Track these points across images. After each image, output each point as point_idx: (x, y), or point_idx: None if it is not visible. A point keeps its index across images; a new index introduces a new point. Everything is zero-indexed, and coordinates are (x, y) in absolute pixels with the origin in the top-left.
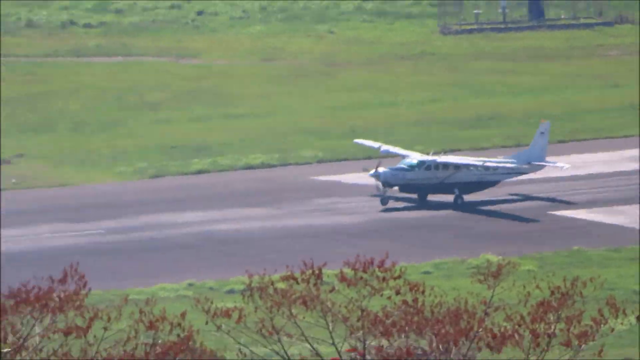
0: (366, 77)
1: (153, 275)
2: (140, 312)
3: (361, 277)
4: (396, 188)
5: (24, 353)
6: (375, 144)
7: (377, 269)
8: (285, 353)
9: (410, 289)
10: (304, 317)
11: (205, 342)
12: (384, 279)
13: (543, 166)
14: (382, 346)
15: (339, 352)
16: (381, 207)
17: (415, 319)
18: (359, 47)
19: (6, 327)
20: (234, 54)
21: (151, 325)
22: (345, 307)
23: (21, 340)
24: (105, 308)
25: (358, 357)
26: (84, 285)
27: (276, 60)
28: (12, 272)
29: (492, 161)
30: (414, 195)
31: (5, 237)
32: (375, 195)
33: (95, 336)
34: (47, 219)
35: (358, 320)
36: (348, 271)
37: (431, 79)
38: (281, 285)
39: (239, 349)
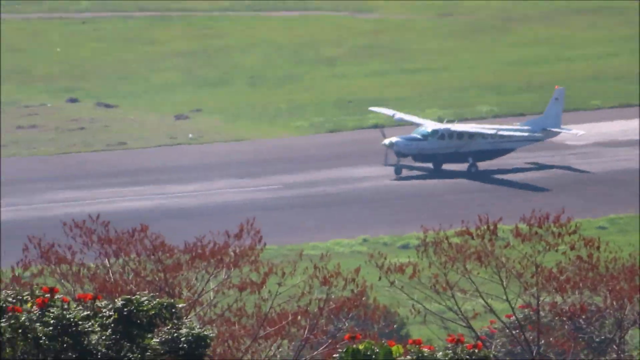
0: (542, 32)
1: (328, 231)
2: (315, 267)
3: (536, 233)
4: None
5: (198, 308)
6: (390, 112)
7: (552, 225)
8: (459, 309)
9: (585, 245)
10: (478, 273)
11: (379, 297)
12: (559, 234)
13: (558, 133)
14: (556, 302)
15: (512, 308)
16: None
17: (590, 275)
18: (535, 1)
19: (181, 282)
20: (411, 8)
21: (325, 281)
22: (520, 263)
23: (196, 295)
24: (280, 263)
25: (531, 313)
26: (259, 241)
27: (453, 15)
28: (189, 226)
29: (505, 129)
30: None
31: (183, 192)
32: (388, 165)
33: (269, 291)
34: (224, 174)
35: (532, 276)
36: (523, 227)
37: (608, 33)
38: (456, 241)
39: (412, 305)
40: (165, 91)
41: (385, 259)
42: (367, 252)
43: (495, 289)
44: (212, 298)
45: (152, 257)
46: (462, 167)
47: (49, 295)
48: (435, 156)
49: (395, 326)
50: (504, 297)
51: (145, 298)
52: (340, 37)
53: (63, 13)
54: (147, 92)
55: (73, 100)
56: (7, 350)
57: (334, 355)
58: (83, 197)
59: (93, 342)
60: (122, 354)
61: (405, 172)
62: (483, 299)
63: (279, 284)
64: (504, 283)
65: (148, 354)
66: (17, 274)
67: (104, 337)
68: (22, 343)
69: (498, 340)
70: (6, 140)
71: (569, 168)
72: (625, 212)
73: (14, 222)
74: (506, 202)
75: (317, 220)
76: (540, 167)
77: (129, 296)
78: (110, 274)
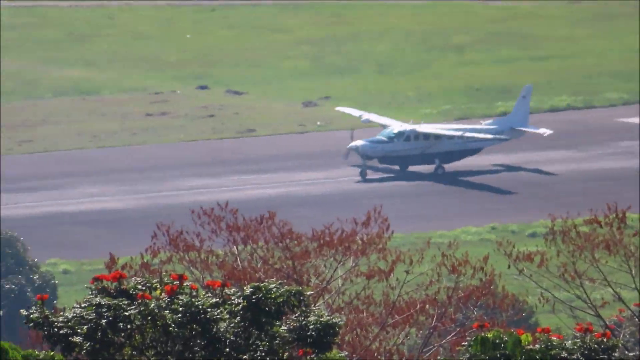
0: None
1: (456, 218)
2: (443, 255)
3: None
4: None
5: (326, 296)
6: (357, 113)
7: None
8: (588, 298)
9: None
10: (606, 262)
11: (507, 286)
12: None
13: (525, 132)
14: None
15: None
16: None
17: None
18: None
19: (309, 270)
20: None
21: (453, 269)
22: None
23: (324, 283)
24: (407, 251)
25: None
26: (387, 228)
27: (582, 2)
28: (316, 214)
29: (469, 130)
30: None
31: (310, 180)
32: (354, 166)
33: (397, 279)
34: (349, 162)
35: None
36: None
37: None
38: (584, 229)
39: (541, 294)
40: (293, 78)
41: (513, 247)
42: (496, 239)
43: (623, 278)
44: (340, 286)
45: (280, 244)
46: (430, 168)
47: (177, 282)
48: (401, 158)
49: (523, 315)
50: (633, 286)
51: (273, 285)
52: (469, 25)
53: (193, 0)
54: (275, 80)
55: (203, 87)
56: (137, 338)
57: (462, 344)
58: (212, 185)
59: (222, 329)
60: (250, 342)
61: (379, 175)
62: (612, 287)
63: (407, 272)
64: (633, 272)
65: (276, 341)
66: (146, 261)
67: (232, 325)
68: (151, 330)
69: (627, 329)
70: (136, 127)
71: (537, 170)
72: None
73: (144, 209)
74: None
75: (445, 208)
76: (508, 168)
77: (257, 284)
78: (239, 262)
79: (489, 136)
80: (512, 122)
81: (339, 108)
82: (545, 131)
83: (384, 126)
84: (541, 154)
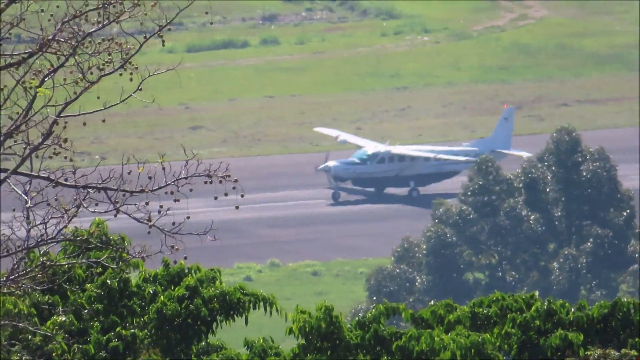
0: None
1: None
2: None
3: None
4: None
5: None
6: (334, 133)
7: None
8: None
9: None
10: None
11: None
12: None
13: (506, 154)
14: None
15: None
16: None
17: None
18: None
19: None
20: None
21: None
22: None
23: None
24: None
25: None
26: None
27: None
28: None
29: (447, 152)
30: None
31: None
32: (328, 188)
33: None
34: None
35: None
36: None
37: None
38: None
39: None
40: None
41: None
42: None
43: None
44: None
45: None
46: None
47: None
48: (375, 180)
49: None
50: None
51: None
52: None
53: None
54: None
55: None
56: None
57: None
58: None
59: None
60: None
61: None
62: None
63: None
64: None
65: None
66: None
67: None
68: None
69: None
70: None
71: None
72: None
73: None
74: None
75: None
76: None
77: None
78: None
79: (462, 158)
80: (493, 144)
81: (317, 129)
82: (525, 154)
83: (360, 147)
84: None
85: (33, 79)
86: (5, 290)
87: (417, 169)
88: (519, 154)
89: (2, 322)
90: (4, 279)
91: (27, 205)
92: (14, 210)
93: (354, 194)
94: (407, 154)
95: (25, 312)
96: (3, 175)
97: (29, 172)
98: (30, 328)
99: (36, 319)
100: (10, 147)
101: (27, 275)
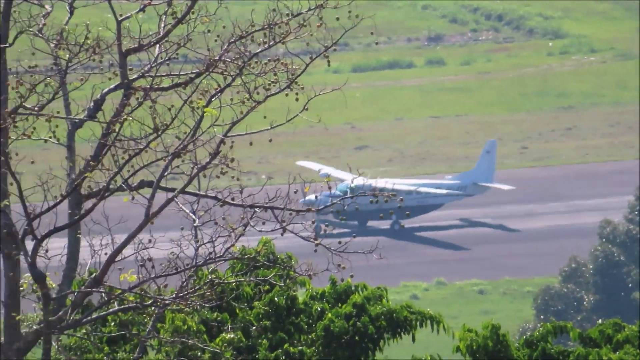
0: None
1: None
2: None
3: None
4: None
5: None
6: (317, 166)
7: None
8: None
9: None
10: None
11: None
12: None
13: (489, 188)
14: None
15: None
16: None
17: None
18: None
19: None
20: None
21: None
22: None
23: None
24: None
25: None
26: None
27: None
28: None
29: (430, 185)
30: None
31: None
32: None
33: None
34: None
35: None
36: None
37: None
38: None
39: None
40: None
41: None
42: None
43: None
44: None
45: None
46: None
47: None
48: (357, 213)
49: None
50: None
51: None
52: None
53: None
54: None
55: None
56: None
57: None
58: None
59: None
60: None
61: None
62: None
63: None
64: None
65: None
66: None
67: None
68: None
69: None
70: None
71: (501, 227)
72: None
73: None
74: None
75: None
76: (471, 224)
77: None
78: None
79: (444, 192)
80: (476, 177)
81: (299, 163)
82: (507, 187)
83: (342, 180)
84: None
85: (200, 99)
86: (174, 308)
87: (397, 202)
88: (500, 187)
89: (172, 339)
90: (173, 296)
91: (195, 224)
92: (182, 229)
93: (338, 227)
94: (389, 187)
95: (195, 329)
96: (171, 194)
97: (197, 192)
98: (199, 345)
99: (205, 335)
100: (178, 166)
101: (195, 292)
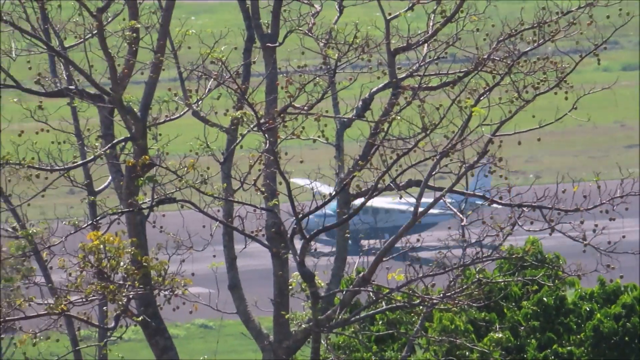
0: None
1: None
2: None
3: None
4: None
5: None
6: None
7: None
8: None
9: None
10: None
11: None
12: None
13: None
14: None
15: None
16: None
17: None
18: None
19: None
20: None
21: None
22: None
23: None
24: None
25: None
26: None
27: None
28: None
29: (425, 204)
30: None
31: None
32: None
33: None
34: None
35: None
36: None
37: None
38: None
39: None
40: None
41: None
42: None
43: None
44: None
45: None
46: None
47: None
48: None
49: None
50: None
51: None
52: None
53: None
54: None
55: None
56: None
57: None
58: None
59: None
60: None
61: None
62: None
63: None
64: None
65: None
66: None
67: None
68: None
69: None
70: None
71: (494, 246)
72: None
73: None
74: None
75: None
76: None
77: None
78: None
79: (437, 211)
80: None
81: (294, 179)
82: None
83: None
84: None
85: (468, 98)
86: (441, 307)
87: (392, 221)
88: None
89: (440, 338)
90: (441, 295)
91: (462, 224)
92: (449, 228)
93: (329, 245)
94: (381, 206)
95: (462, 328)
96: (438, 193)
97: (464, 191)
98: (467, 344)
99: (473, 335)
100: (446, 165)
101: (463, 292)
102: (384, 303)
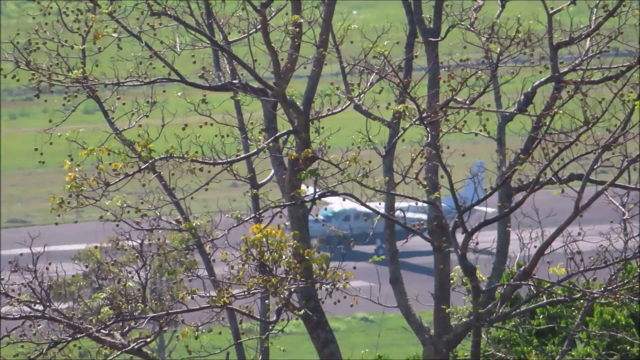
0: None
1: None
2: None
3: None
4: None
5: None
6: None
7: None
8: None
9: None
10: None
11: None
12: None
13: (476, 211)
14: None
15: None
16: None
17: None
18: None
19: None
20: None
21: None
22: None
23: None
24: None
25: None
26: None
27: None
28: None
29: (415, 209)
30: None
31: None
32: None
33: None
34: None
35: None
36: None
37: None
38: None
39: None
40: None
41: None
42: None
43: None
44: None
45: None
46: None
47: None
48: (341, 238)
49: None
50: None
51: None
52: None
53: None
54: None
55: None
56: None
57: None
58: None
59: None
60: None
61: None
62: None
63: None
64: None
65: None
66: None
67: None
68: None
69: None
70: None
71: (488, 252)
72: None
73: None
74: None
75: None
76: None
77: None
78: None
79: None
80: (464, 200)
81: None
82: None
83: (326, 204)
84: None
85: (631, 92)
86: (603, 301)
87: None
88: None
89: (600, 332)
90: (602, 289)
91: (624, 217)
92: (611, 222)
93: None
94: (375, 210)
95: (623, 322)
96: (601, 187)
97: (627, 185)
98: (628, 338)
99: (634, 330)
100: (608, 159)
101: (624, 286)
102: (544, 297)
